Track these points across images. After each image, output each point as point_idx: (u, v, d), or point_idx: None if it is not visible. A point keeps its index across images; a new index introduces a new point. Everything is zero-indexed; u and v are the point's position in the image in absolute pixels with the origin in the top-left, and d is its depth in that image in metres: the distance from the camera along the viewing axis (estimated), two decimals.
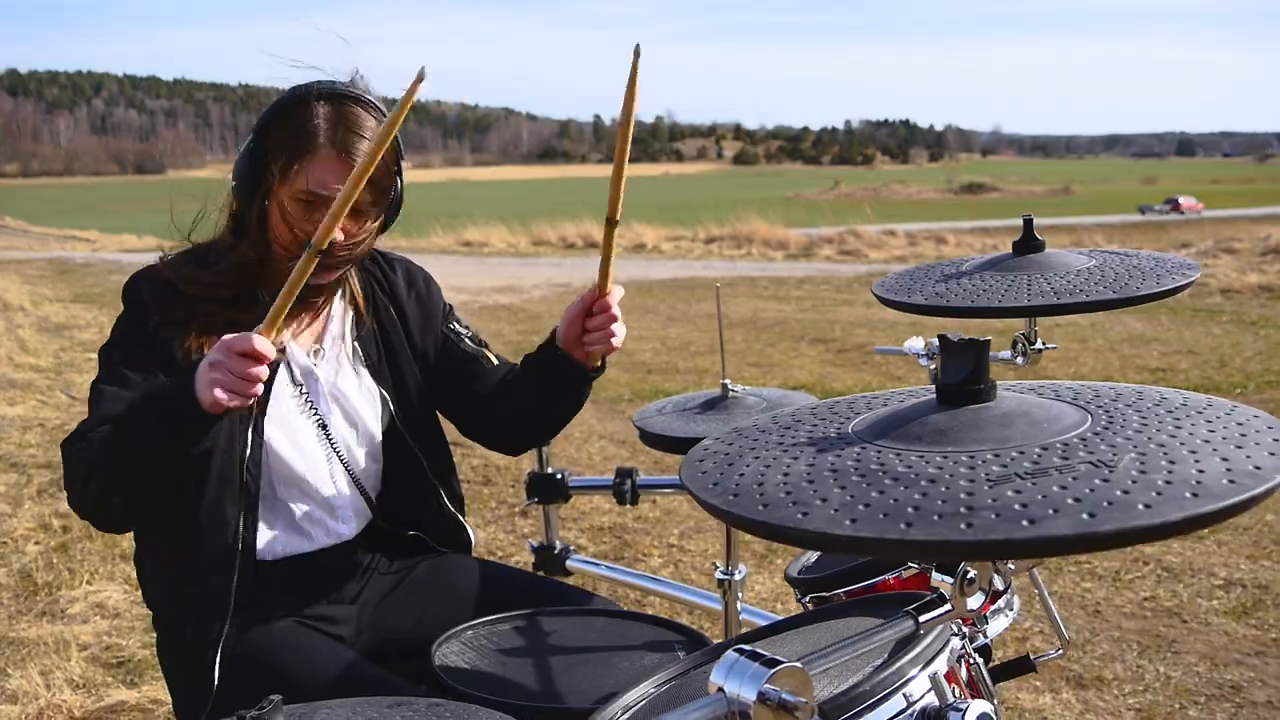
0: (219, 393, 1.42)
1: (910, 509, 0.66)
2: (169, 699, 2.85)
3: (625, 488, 2.49)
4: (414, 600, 1.86)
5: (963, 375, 0.80)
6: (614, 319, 1.69)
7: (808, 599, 1.65)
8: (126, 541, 4.33)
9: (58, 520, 4.56)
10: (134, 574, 3.88)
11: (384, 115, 1.69)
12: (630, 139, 1.53)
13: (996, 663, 1.40)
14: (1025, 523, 0.63)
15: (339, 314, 1.82)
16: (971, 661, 0.98)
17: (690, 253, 19.96)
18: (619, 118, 1.51)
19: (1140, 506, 0.64)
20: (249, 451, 1.67)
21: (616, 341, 1.70)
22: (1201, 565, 3.92)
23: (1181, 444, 0.72)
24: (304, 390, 1.76)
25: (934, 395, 0.82)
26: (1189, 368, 7.44)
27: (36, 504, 4.83)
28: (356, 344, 1.82)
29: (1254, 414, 0.78)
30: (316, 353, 1.79)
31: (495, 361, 1.93)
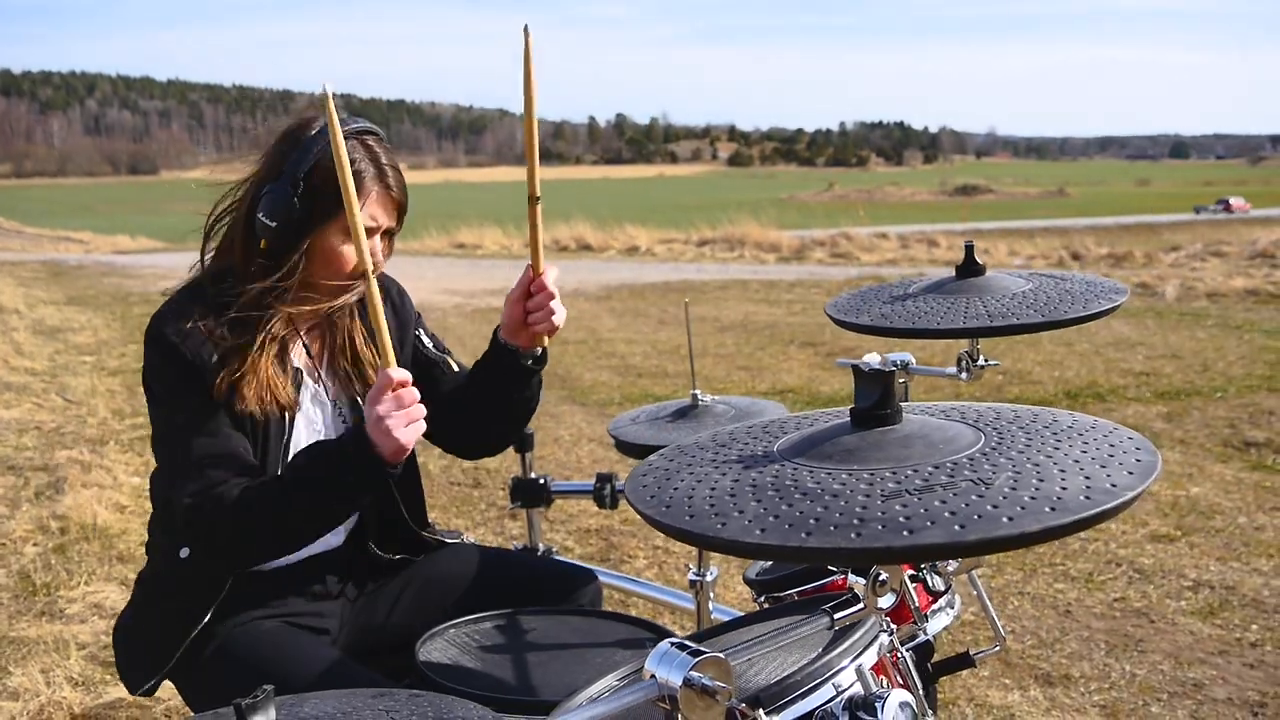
0: (403, 434, 1.54)
1: (812, 520, 0.77)
2: (165, 695, 2.95)
3: (605, 492, 2.60)
4: (394, 591, 1.97)
5: (872, 401, 0.90)
6: (551, 296, 1.77)
7: (763, 599, 1.75)
8: (123, 544, 4.43)
9: (55, 522, 4.66)
10: (131, 575, 3.96)
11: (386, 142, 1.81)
12: (534, 118, 1.67)
13: (940, 658, 1.50)
14: (905, 533, 0.73)
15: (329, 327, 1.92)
16: (899, 656, 1.08)
17: (683, 255, 20.08)
18: (523, 101, 1.62)
19: (1005, 519, 0.74)
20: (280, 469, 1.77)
21: (557, 320, 1.78)
22: (1173, 567, 4.03)
23: (1055, 464, 0.82)
24: (319, 408, 1.85)
25: (848, 417, 0.93)
26: (1173, 371, 7.54)
27: (34, 506, 4.92)
28: (333, 348, 1.91)
29: (1129, 436, 0.88)
30: (324, 370, 1.88)
31: (456, 369, 2.01)
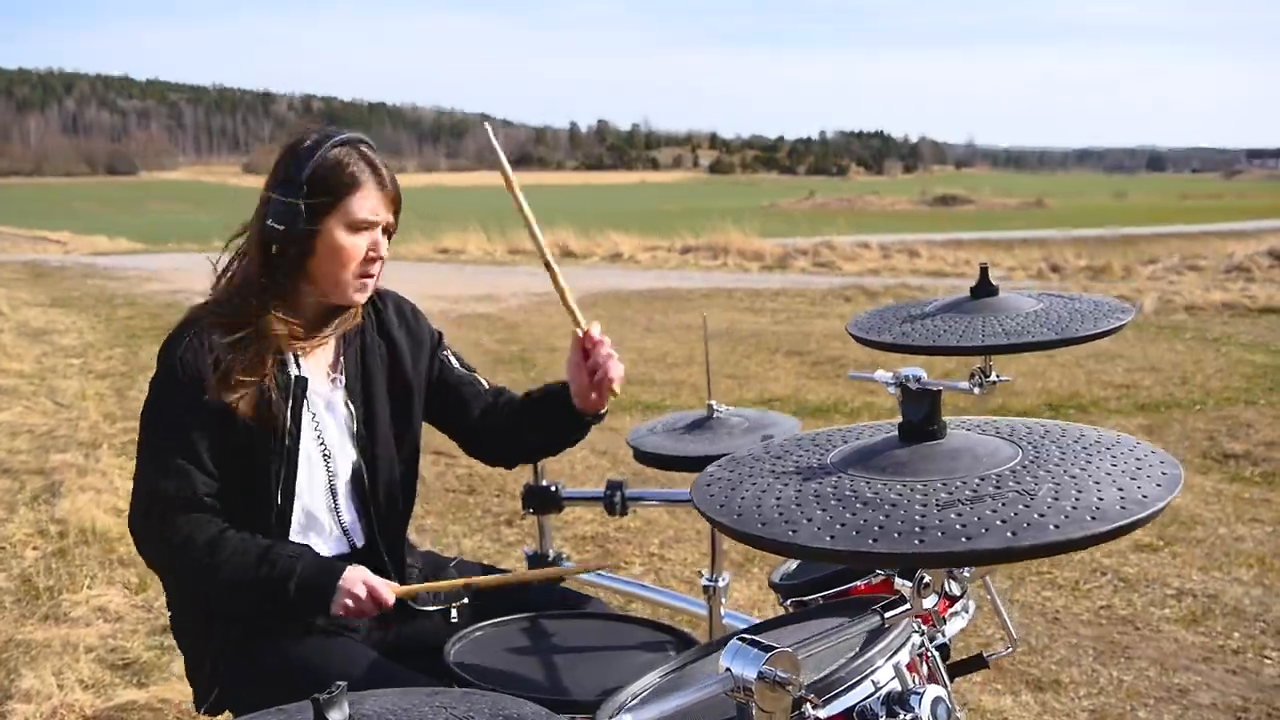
0: (344, 611, 1.76)
1: (876, 528, 0.84)
2: (177, 698, 3.00)
3: (615, 499, 2.65)
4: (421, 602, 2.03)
5: (920, 417, 0.98)
6: (604, 346, 1.90)
7: (789, 602, 1.83)
8: (123, 546, 4.45)
9: (54, 526, 4.68)
10: (133, 578, 3.99)
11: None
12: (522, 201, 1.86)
13: (954, 660, 1.58)
14: (963, 539, 0.81)
15: (337, 341, 1.99)
16: (929, 655, 1.16)
17: (666, 263, 20.17)
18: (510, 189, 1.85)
19: (1051, 527, 0.82)
20: (282, 481, 1.85)
21: (616, 373, 1.91)
22: (1156, 576, 4.13)
23: (1089, 476, 0.91)
24: (316, 418, 1.92)
25: (897, 432, 1.01)
26: (1152, 384, 7.67)
27: (31, 509, 4.94)
28: (342, 364, 1.98)
29: (1151, 450, 0.97)
30: (334, 381, 1.95)
31: (485, 385, 2.14)
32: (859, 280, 15.56)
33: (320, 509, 1.94)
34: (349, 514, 1.99)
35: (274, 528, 1.85)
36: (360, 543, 1.99)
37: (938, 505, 0.87)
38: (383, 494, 2.00)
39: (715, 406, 2.25)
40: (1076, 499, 0.86)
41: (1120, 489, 0.88)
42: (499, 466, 2.25)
